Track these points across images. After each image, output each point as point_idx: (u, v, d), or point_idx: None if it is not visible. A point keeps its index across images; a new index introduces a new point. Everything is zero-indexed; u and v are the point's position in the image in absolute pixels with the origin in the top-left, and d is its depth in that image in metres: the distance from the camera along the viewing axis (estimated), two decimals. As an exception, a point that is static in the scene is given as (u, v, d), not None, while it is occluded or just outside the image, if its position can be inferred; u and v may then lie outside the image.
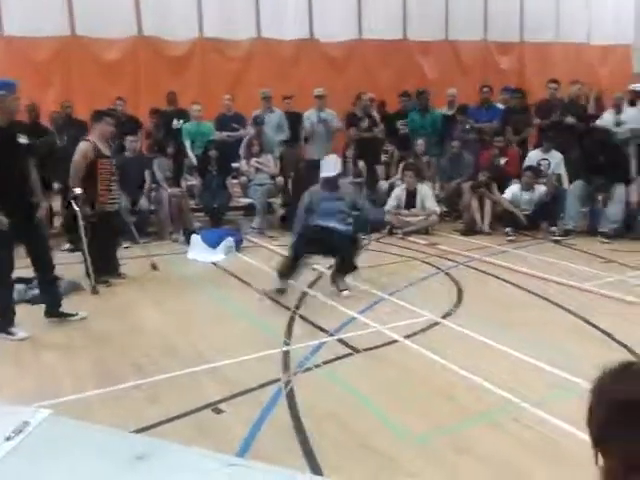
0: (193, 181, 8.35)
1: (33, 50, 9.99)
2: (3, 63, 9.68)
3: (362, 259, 6.42)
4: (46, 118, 8.22)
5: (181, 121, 8.87)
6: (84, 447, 1.57)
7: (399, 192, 7.82)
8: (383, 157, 8.84)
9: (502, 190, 7.67)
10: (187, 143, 8.62)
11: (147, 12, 10.74)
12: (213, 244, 6.82)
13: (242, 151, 8.67)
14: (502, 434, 2.98)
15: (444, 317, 4.63)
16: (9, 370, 3.85)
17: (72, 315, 4.71)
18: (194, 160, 8.51)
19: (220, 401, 3.34)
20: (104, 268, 5.76)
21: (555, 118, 8.49)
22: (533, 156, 8.09)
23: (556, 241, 7.07)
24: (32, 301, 4.92)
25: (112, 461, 1.51)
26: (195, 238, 6.96)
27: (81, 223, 5.50)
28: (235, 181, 8.66)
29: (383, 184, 8.48)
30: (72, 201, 5.61)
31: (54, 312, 4.69)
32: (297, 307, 4.98)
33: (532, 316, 4.66)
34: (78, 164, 5.55)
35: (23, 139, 4.40)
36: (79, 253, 6.03)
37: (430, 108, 9.24)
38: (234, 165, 8.70)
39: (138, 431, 2.90)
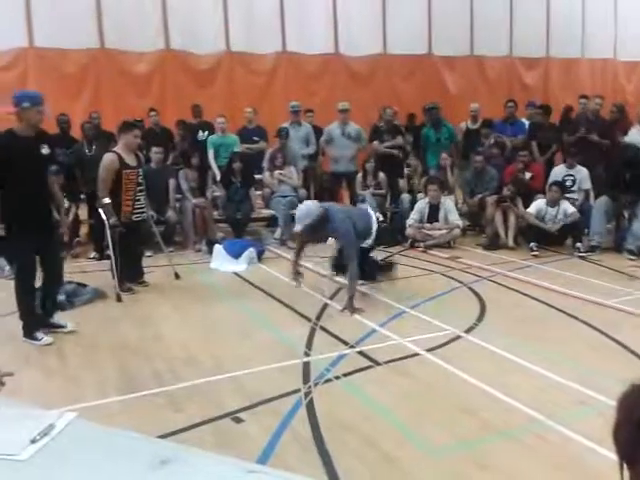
0: (217, 192, 8.43)
1: (63, 62, 10.22)
2: (34, 74, 9.93)
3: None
4: (75, 129, 8.37)
5: (206, 133, 8.98)
6: (109, 450, 1.59)
7: (422, 205, 7.80)
8: (406, 170, 8.82)
9: (526, 205, 7.61)
10: (211, 154, 8.71)
11: (175, 26, 10.94)
12: (235, 255, 6.86)
13: (265, 163, 8.74)
14: (525, 451, 2.94)
15: (466, 331, 4.59)
16: (34, 374, 3.90)
17: (62, 326, 4.72)
18: (217, 171, 8.59)
19: (240, 410, 3.35)
20: (128, 276, 5.83)
21: (581, 134, 8.44)
22: (558, 171, 8.02)
23: (581, 257, 6.98)
24: (59, 307, 4.97)
25: (136, 465, 1.52)
26: (218, 248, 7.00)
27: (108, 232, 5.59)
28: (258, 193, 8.72)
29: (406, 197, 8.47)
30: (100, 210, 5.71)
31: (46, 322, 4.70)
32: (318, 318, 4.98)
33: (556, 332, 4.60)
34: (104, 175, 5.65)
35: (45, 149, 4.48)
36: (104, 261, 6.12)
37: (444, 122, 9.16)
38: (257, 177, 8.77)
39: (159, 438, 2.91)
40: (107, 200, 5.60)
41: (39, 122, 4.45)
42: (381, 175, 8.58)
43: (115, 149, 5.80)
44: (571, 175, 7.90)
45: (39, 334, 4.49)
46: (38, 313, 4.65)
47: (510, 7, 13.30)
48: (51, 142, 4.66)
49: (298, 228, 5.13)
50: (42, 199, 4.53)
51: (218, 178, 8.51)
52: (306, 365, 4.00)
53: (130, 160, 5.74)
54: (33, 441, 1.58)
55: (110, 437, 1.66)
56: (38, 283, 4.68)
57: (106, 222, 5.59)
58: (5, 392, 2.04)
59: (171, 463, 1.47)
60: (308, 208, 5.20)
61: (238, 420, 3.26)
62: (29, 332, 4.49)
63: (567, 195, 7.62)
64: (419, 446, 3.01)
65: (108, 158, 5.69)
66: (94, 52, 10.46)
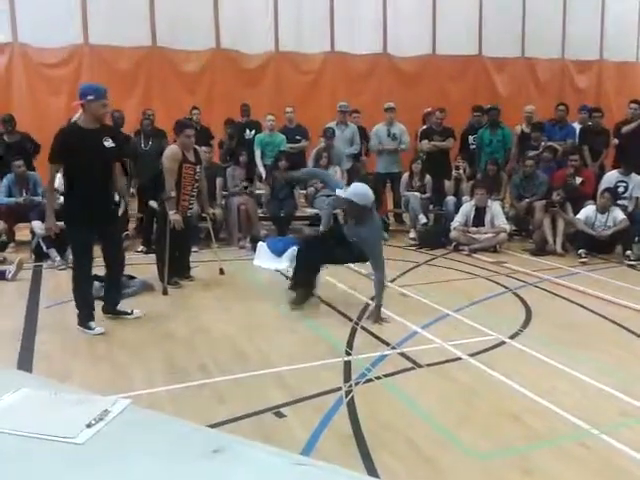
0: (262, 190, 8.52)
1: (116, 59, 10.48)
2: (88, 70, 10.22)
3: (426, 275, 6.42)
4: (127, 125, 8.55)
5: (253, 131, 9.09)
6: (162, 437, 1.62)
7: (467, 208, 7.71)
8: (454, 173, 8.73)
9: (576, 211, 7.45)
10: (257, 153, 8.81)
11: (225, 26, 11.10)
12: (278, 252, 6.92)
13: (310, 162, 8.79)
14: (570, 459, 2.90)
15: (511, 337, 4.53)
16: (83, 363, 4.03)
17: (128, 313, 4.91)
18: (262, 170, 8.69)
19: (282, 405, 3.40)
20: (175, 270, 5.94)
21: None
22: (611, 177, 7.82)
23: (631, 265, 6.81)
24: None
25: (189, 452, 1.55)
26: (261, 246, 7.09)
27: (168, 226, 5.62)
28: (302, 191, 8.77)
29: (451, 200, 8.39)
30: (165, 203, 5.70)
31: (111, 309, 4.91)
32: (359, 318, 4.99)
33: (602, 340, 4.51)
34: (170, 165, 5.64)
35: (109, 143, 4.56)
36: (151, 255, 6.25)
37: (501, 124, 9.05)
38: (302, 176, 8.82)
39: (204, 428, 2.98)
40: (173, 193, 5.61)
41: (103, 115, 4.59)
42: (427, 177, 8.53)
43: (176, 144, 5.82)
44: (624, 182, 7.70)
45: (92, 323, 4.62)
46: (96, 301, 4.81)
47: (563, 9, 13.04)
48: (115, 136, 4.77)
49: (343, 196, 4.82)
50: (104, 191, 4.61)
51: (264, 176, 8.60)
52: (347, 364, 4.02)
53: (189, 156, 5.76)
54: (89, 425, 1.64)
55: (163, 424, 1.71)
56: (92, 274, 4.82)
57: (170, 216, 5.59)
58: (57, 379, 2.12)
59: (223, 452, 1.50)
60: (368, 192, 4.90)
61: (280, 415, 3.30)
62: (84, 321, 4.62)
63: (618, 202, 7.43)
64: (460, 449, 2.99)
65: (172, 150, 5.72)
66: (146, 50, 10.69)
